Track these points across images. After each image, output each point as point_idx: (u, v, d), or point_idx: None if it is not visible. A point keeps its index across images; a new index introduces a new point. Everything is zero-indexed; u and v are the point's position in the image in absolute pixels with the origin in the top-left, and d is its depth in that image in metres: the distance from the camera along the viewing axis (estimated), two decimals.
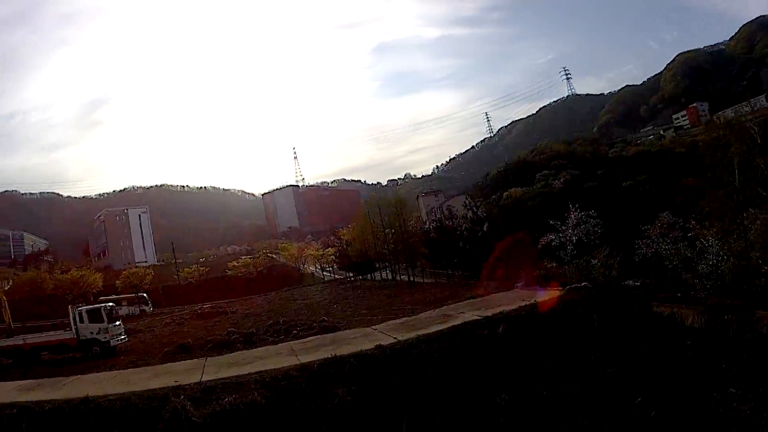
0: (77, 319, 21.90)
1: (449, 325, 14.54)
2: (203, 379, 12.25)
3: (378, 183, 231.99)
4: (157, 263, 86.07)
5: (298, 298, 36.54)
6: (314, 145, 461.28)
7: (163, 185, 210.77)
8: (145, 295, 48.09)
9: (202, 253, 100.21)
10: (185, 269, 66.06)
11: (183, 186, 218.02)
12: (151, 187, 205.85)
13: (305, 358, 13.04)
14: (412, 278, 35.77)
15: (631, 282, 22.12)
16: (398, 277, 38.25)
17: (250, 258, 69.72)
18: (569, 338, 12.87)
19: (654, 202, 44.96)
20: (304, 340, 16.73)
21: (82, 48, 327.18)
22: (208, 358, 15.69)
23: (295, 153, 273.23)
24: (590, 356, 12.03)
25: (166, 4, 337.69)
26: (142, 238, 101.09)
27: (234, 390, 11.18)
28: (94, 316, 21.99)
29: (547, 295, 16.72)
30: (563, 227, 27.82)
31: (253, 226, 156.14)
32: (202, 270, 65.60)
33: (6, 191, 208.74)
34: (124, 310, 43.28)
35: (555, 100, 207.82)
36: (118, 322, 22.88)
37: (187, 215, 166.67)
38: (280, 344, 16.88)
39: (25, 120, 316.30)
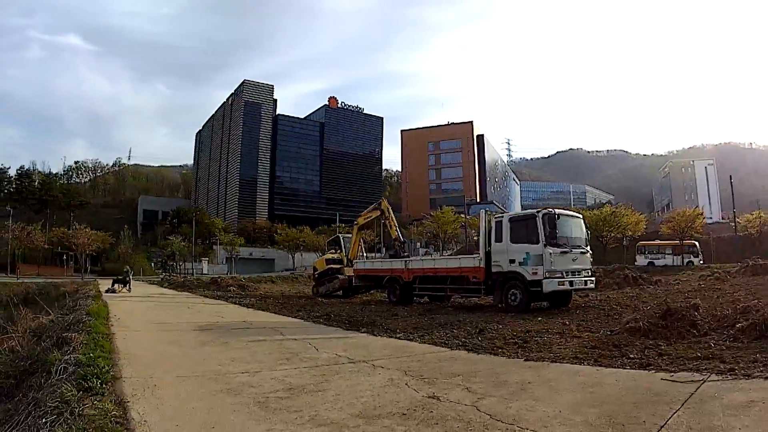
0: (492, 231, 12.51)
1: None
2: None
3: None
4: (722, 220, 72.94)
5: None
6: None
7: (729, 142, 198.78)
8: (696, 243, 41.58)
9: None
10: (746, 216, 53.00)
11: (750, 143, 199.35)
12: (719, 144, 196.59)
13: None
14: None
15: None
16: None
17: None
18: None
19: None
20: None
21: None
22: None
23: None
24: None
25: None
26: (708, 192, 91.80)
27: None
28: (526, 230, 11.96)
29: None
30: None
31: None
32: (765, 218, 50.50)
33: (571, 149, 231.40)
34: (666, 260, 39.58)
35: None
36: (581, 251, 12.33)
37: (759, 173, 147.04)
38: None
39: None
